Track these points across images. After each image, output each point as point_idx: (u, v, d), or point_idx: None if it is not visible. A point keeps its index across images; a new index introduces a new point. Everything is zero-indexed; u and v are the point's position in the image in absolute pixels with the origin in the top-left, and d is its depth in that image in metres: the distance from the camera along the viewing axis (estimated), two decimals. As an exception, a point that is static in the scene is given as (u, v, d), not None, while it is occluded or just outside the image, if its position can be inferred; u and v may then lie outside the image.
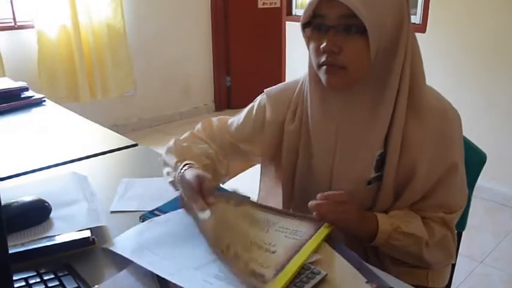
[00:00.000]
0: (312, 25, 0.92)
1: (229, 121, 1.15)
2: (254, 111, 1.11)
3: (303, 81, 1.06)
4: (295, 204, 1.08)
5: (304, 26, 0.94)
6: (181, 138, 1.12)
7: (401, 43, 0.90)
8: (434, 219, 0.98)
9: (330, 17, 0.88)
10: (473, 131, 0.99)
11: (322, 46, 0.89)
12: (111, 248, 0.85)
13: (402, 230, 0.93)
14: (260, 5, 4.40)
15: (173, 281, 0.73)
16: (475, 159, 1.12)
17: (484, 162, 1.13)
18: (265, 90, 1.13)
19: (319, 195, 0.91)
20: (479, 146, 1.14)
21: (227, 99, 4.62)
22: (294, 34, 3.68)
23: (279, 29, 3.80)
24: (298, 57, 3.69)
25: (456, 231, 1.04)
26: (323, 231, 0.87)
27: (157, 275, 0.75)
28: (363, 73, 0.92)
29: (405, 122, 0.92)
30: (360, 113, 0.95)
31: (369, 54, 0.88)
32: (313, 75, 0.98)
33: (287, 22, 3.69)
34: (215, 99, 4.59)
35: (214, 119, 1.16)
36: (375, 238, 0.93)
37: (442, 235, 0.97)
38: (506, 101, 2.65)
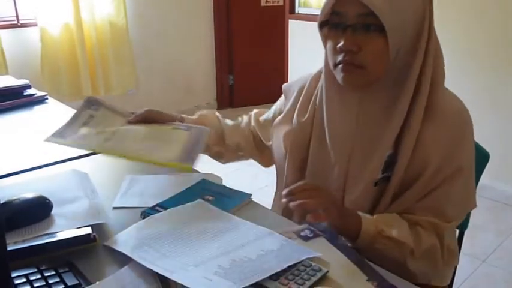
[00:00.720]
0: (329, 23, 0.90)
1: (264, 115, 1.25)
2: (275, 106, 1.21)
3: (313, 78, 1.07)
4: None
5: (321, 25, 0.92)
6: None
7: (422, 42, 0.88)
8: (424, 224, 0.93)
9: (348, 15, 0.86)
10: (476, 129, 0.97)
11: (339, 45, 0.87)
12: (112, 246, 0.85)
13: (386, 234, 0.89)
14: (263, 3, 4.39)
15: (173, 278, 0.73)
16: (478, 158, 1.11)
17: (487, 161, 1.13)
18: (282, 86, 1.19)
19: (285, 190, 0.89)
20: (483, 145, 1.14)
21: (229, 97, 4.61)
22: (297, 32, 3.67)
23: (282, 28, 3.79)
24: (301, 55, 3.68)
25: (458, 232, 1.03)
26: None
27: (160, 278, 0.75)
28: (381, 73, 0.90)
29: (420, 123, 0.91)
30: (376, 113, 0.94)
31: (389, 53, 0.87)
32: (328, 74, 0.97)
33: (290, 20, 3.68)
34: (217, 97, 4.59)
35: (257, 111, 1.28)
36: (357, 238, 0.90)
37: (430, 244, 0.93)
38: (510, 100, 2.64)
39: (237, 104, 4.57)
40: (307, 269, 0.76)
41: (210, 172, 1.16)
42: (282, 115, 1.12)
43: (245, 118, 1.29)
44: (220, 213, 0.95)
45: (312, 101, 1.04)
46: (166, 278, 0.74)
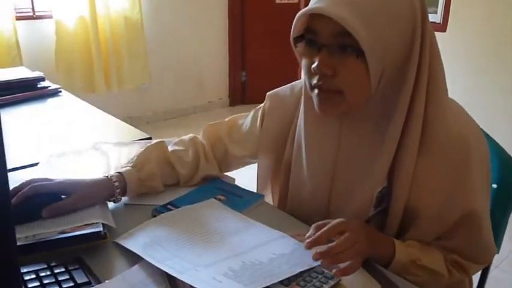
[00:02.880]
0: (305, 39, 0.80)
1: (239, 124, 1.10)
2: (259, 117, 1.05)
3: (296, 93, 0.98)
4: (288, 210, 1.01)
5: (296, 41, 0.82)
6: (177, 139, 1.10)
7: (412, 66, 0.77)
8: (449, 261, 0.86)
9: (322, 34, 0.76)
10: (490, 132, 0.94)
11: (313, 66, 0.77)
12: (122, 243, 0.84)
13: (422, 264, 0.81)
14: (277, 1, 4.36)
15: (182, 279, 0.72)
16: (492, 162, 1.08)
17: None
18: (267, 94, 1.06)
19: (310, 232, 0.78)
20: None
21: (242, 94, 4.61)
22: (311, 30, 3.65)
23: (296, 25, 3.76)
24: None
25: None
26: None
27: (168, 276, 0.74)
28: (363, 99, 0.80)
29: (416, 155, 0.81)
30: (361, 144, 0.85)
31: (369, 78, 0.76)
32: (308, 98, 0.87)
33: (304, 18, 3.66)
34: (230, 94, 4.58)
35: (225, 122, 1.11)
36: (388, 265, 0.81)
37: (458, 278, 0.87)
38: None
39: (249, 100, 4.56)
40: (320, 276, 0.74)
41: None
42: (266, 136, 1.03)
43: (196, 144, 1.09)
44: (232, 213, 0.94)
45: (297, 128, 0.95)
46: (174, 277, 0.73)
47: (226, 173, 1.15)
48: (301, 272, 0.74)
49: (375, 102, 0.81)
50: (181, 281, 0.72)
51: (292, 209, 0.98)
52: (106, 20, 3.45)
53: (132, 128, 1.48)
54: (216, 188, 1.06)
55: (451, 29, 2.75)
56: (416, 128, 0.79)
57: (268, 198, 1.11)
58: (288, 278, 0.73)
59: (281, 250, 0.80)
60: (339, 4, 0.73)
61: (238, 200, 1.00)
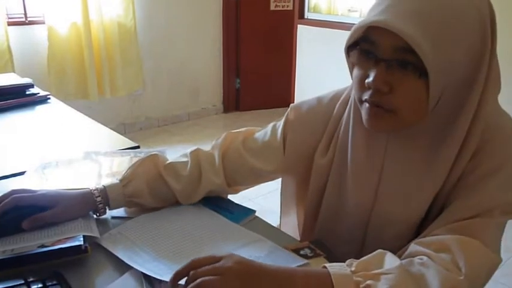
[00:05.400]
0: (360, 49, 0.73)
1: (256, 135, 1.01)
2: (280, 129, 0.96)
3: (341, 103, 0.89)
4: (318, 234, 0.95)
5: (349, 49, 0.75)
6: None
7: (479, 80, 0.70)
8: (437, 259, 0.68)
9: (382, 47, 0.69)
10: None
11: (368, 81, 0.71)
12: (104, 245, 0.84)
13: None
14: (272, 7, 4.36)
15: (165, 279, 0.72)
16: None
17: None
18: (291, 105, 0.97)
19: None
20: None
21: (236, 101, 4.59)
22: (305, 38, 3.64)
23: (291, 32, 3.76)
24: (309, 61, 3.65)
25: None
26: None
27: (145, 277, 0.75)
28: (417, 119, 0.73)
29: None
30: (408, 162, 0.78)
31: (428, 99, 0.70)
32: (357, 108, 0.81)
33: (299, 25, 3.66)
34: (224, 100, 4.56)
35: (241, 133, 1.02)
36: None
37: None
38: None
39: (243, 107, 4.55)
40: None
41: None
42: (292, 151, 0.94)
43: (207, 156, 1.01)
44: (211, 214, 0.96)
45: (334, 137, 0.88)
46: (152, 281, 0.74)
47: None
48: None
49: (433, 117, 0.74)
50: (158, 282, 0.73)
51: (326, 221, 0.91)
52: (99, 26, 3.43)
53: (120, 136, 1.45)
54: (207, 202, 1.01)
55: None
56: (476, 133, 0.73)
57: (293, 218, 1.05)
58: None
59: (257, 253, 0.81)
60: (403, 17, 0.66)
61: (229, 215, 0.97)
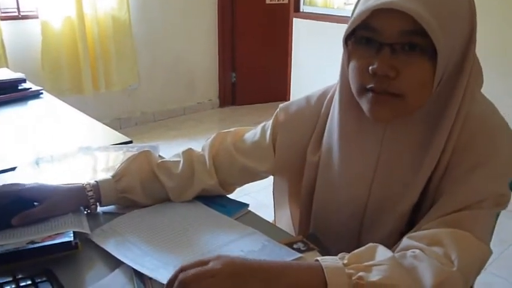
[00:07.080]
0: (357, 37, 0.73)
1: (245, 136, 1.00)
2: (269, 130, 0.96)
3: (329, 101, 0.89)
4: (313, 230, 0.95)
5: (348, 38, 0.75)
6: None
7: (468, 64, 0.73)
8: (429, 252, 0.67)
9: (385, 32, 0.69)
10: None
11: (372, 67, 0.69)
12: (95, 241, 0.83)
13: (368, 281, 0.61)
14: (268, 1, 4.34)
15: (153, 277, 0.72)
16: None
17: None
18: (280, 106, 0.96)
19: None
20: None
21: (232, 95, 4.57)
22: (301, 31, 3.63)
23: (286, 26, 3.74)
24: (304, 54, 3.64)
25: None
26: None
27: (136, 273, 0.75)
28: (421, 103, 0.73)
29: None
30: (404, 152, 0.78)
31: (433, 81, 0.70)
32: (347, 102, 0.81)
33: (294, 19, 3.64)
34: (220, 95, 4.55)
35: (231, 133, 1.02)
36: None
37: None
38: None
39: (239, 102, 4.54)
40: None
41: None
42: (282, 151, 0.94)
43: (199, 157, 1.00)
44: (204, 208, 0.96)
45: (325, 134, 0.88)
46: (142, 277, 0.73)
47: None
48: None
49: (429, 103, 0.75)
50: (149, 279, 0.72)
51: (319, 217, 0.91)
52: (93, 20, 3.40)
53: (113, 130, 1.44)
54: (200, 196, 1.00)
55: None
56: (460, 121, 0.74)
57: (287, 213, 1.04)
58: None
59: (250, 247, 0.81)
60: (410, 0, 0.66)
61: (221, 209, 0.97)
